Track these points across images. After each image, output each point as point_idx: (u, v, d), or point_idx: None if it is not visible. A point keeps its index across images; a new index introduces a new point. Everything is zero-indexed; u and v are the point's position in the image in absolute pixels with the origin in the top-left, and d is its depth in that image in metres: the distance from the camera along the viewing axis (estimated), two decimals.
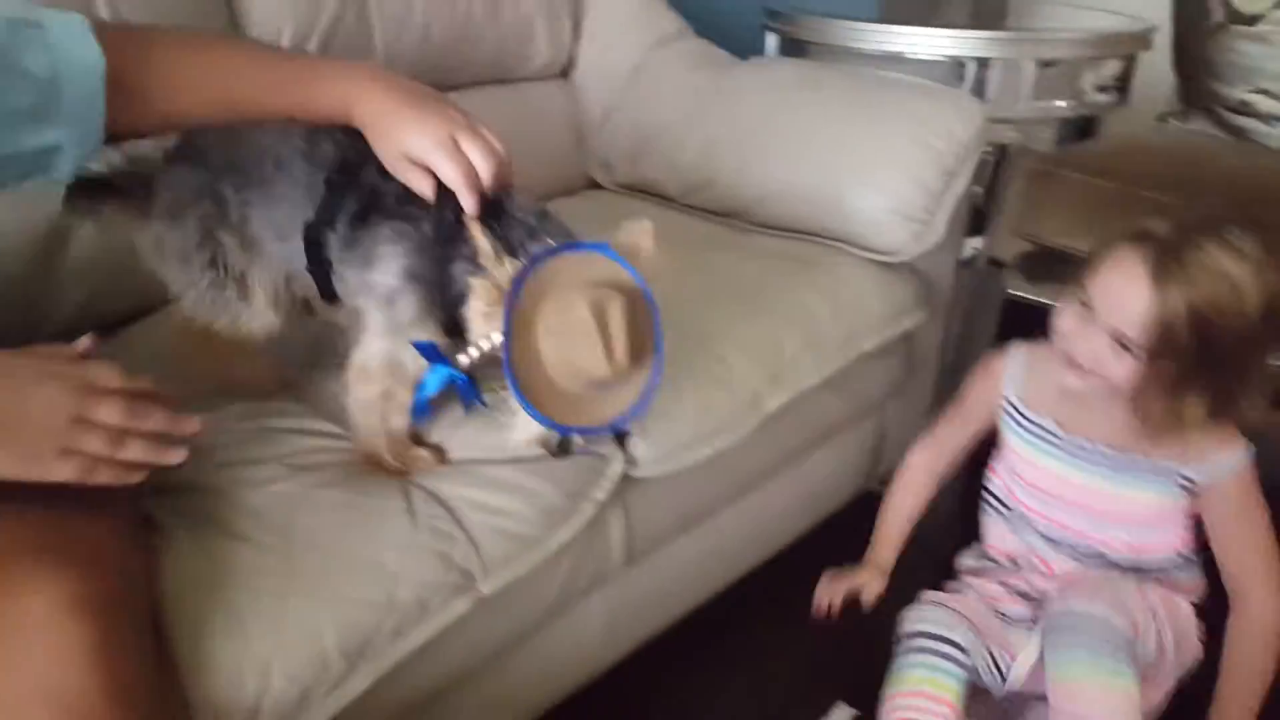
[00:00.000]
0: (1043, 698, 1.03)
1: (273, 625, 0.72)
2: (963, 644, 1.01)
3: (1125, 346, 0.93)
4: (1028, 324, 1.69)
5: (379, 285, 0.82)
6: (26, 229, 1.04)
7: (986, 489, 1.17)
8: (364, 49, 1.35)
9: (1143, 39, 1.73)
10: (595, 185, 1.66)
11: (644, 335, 0.80)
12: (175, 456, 0.68)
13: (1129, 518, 1.05)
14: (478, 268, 0.78)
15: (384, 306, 0.82)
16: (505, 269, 0.77)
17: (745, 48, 1.75)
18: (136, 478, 0.67)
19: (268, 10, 1.25)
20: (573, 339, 0.76)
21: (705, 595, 1.23)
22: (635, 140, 1.58)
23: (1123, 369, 0.94)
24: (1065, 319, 1.00)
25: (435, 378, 0.83)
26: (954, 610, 1.05)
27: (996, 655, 1.04)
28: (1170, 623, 0.99)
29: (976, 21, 2.00)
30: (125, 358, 0.99)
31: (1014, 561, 1.14)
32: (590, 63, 1.66)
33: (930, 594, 1.09)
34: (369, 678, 0.76)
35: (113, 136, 0.76)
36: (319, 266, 0.85)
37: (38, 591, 0.61)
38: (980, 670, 1.03)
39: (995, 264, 1.80)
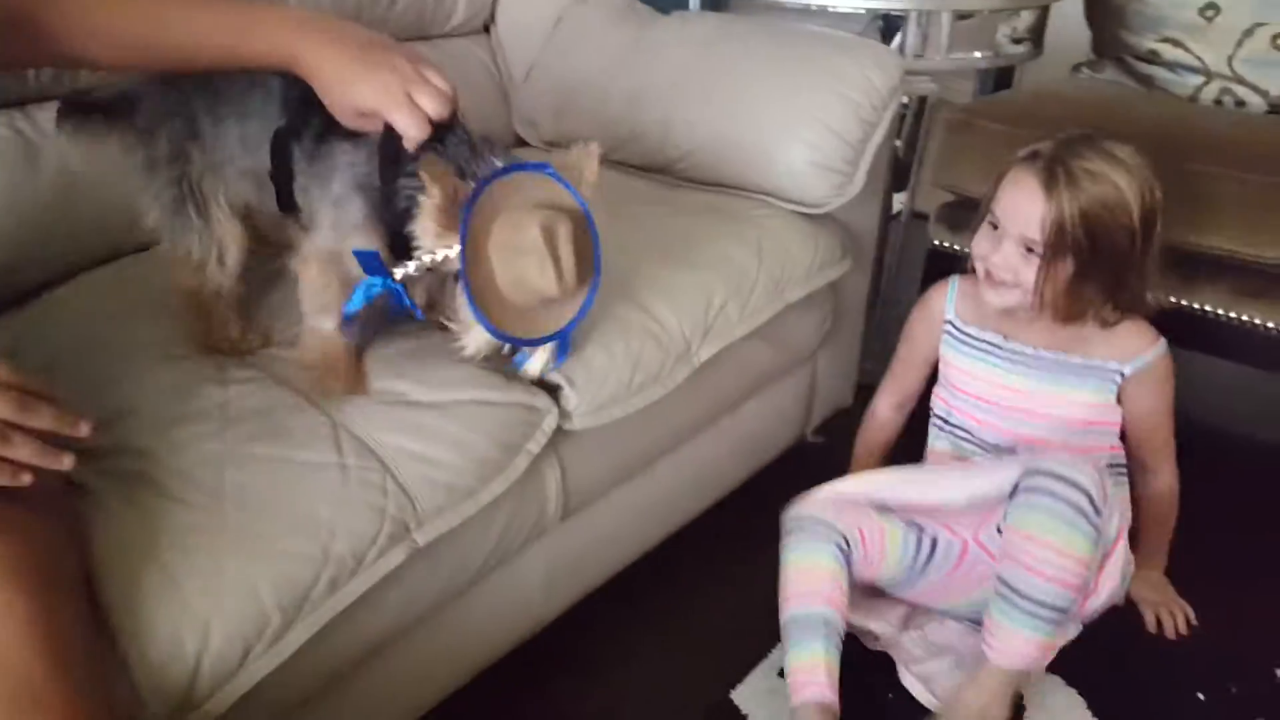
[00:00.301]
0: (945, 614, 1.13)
1: (209, 584, 0.72)
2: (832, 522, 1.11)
3: (1031, 250, 1.07)
4: (951, 272, 1.75)
5: (332, 192, 0.88)
6: None
7: (931, 411, 1.28)
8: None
9: None
10: (521, 142, 1.65)
11: (586, 255, 0.87)
12: (63, 462, 0.64)
13: (1067, 420, 1.16)
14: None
15: (332, 209, 0.88)
16: (451, 191, 0.81)
17: (669, 3, 1.75)
18: (25, 480, 0.62)
19: None
20: (524, 258, 0.82)
21: (643, 548, 1.25)
22: (558, 96, 1.57)
23: (1032, 272, 1.08)
24: (979, 242, 1.14)
25: (366, 288, 0.85)
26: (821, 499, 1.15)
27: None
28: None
29: None
30: (57, 318, 1.01)
31: None
32: (510, 18, 1.65)
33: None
34: (306, 632, 0.76)
35: (8, 66, 0.74)
36: (283, 174, 0.90)
37: None
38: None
39: (918, 216, 1.85)
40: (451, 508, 0.87)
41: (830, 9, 1.68)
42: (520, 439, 0.94)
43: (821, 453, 1.65)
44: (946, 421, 1.26)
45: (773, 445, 1.46)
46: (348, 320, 0.90)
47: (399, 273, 0.85)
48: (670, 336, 1.09)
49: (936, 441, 1.27)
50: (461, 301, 0.84)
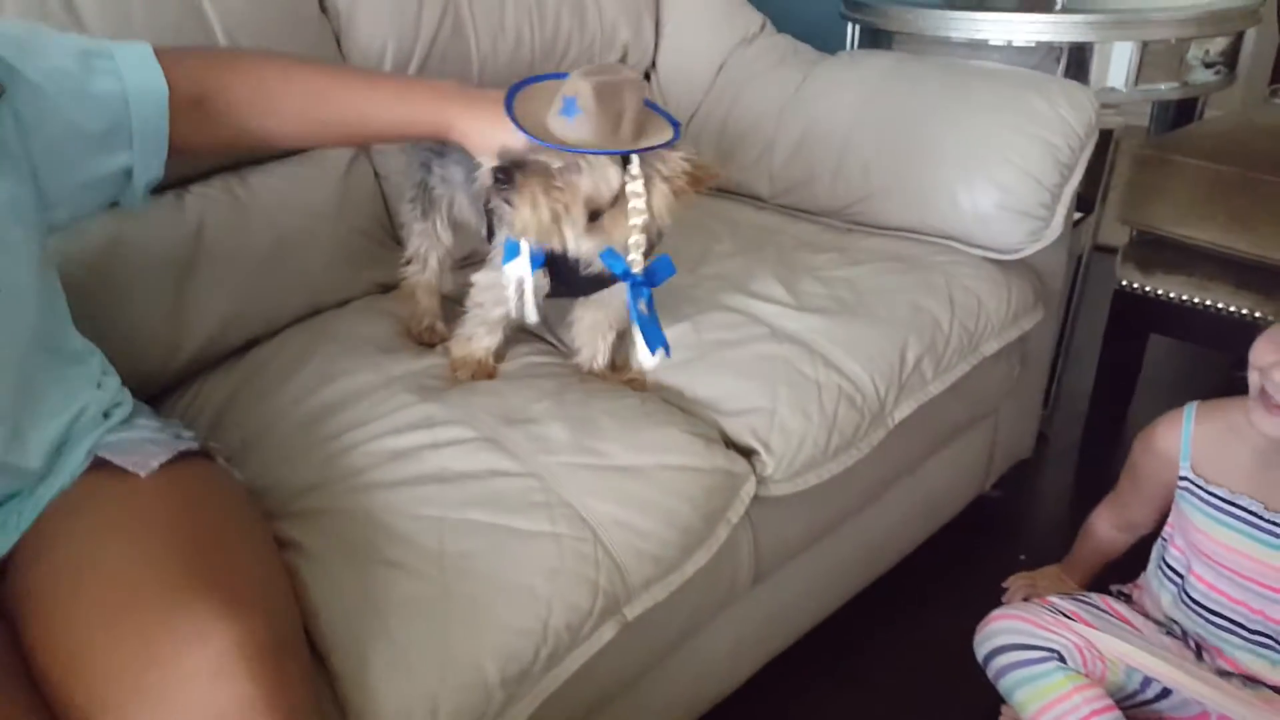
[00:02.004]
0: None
1: (435, 657, 0.72)
2: (1058, 650, 0.99)
3: None
4: (1141, 316, 1.64)
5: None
6: (159, 254, 1.06)
7: (1160, 550, 1.08)
8: (462, 59, 1.35)
9: (1251, 14, 1.65)
10: None
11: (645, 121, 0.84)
12: None
13: None
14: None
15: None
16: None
17: (826, 40, 1.72)
18: None
19: (371, 28, 1.26)
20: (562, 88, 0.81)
21: (827, 611, 1.20)
22: (722, 140, 1.55)
23: None
24: (1265, 350, 0.88)
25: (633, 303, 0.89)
26: (1031, 620, 1.03)
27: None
28: None
29: (1051, 5, 1.93)
30: (267, 376, 1.06)
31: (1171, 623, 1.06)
32: (672, 64, 1.64)
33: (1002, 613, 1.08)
34: (527, 708, 0.75)
35: (195, 152, 0.82)
36: (488, 213, 0.99)
37: (207, 641, 0.58)
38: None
39: (1103, 250, 1.74)
40: (659, 580, 0.85)
41: (1002, 43, 1.61)
42: (721, 506, 0.91)
43: (1000, 507, 1.56)
44: (1178, 575, 1.04)
45: (954, 502, 1.39)
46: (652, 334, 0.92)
47: (634, 265, 0.86)
48: (865, 397, 1.05)
49: (1161, 589, 1.06)
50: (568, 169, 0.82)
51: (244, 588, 0.66)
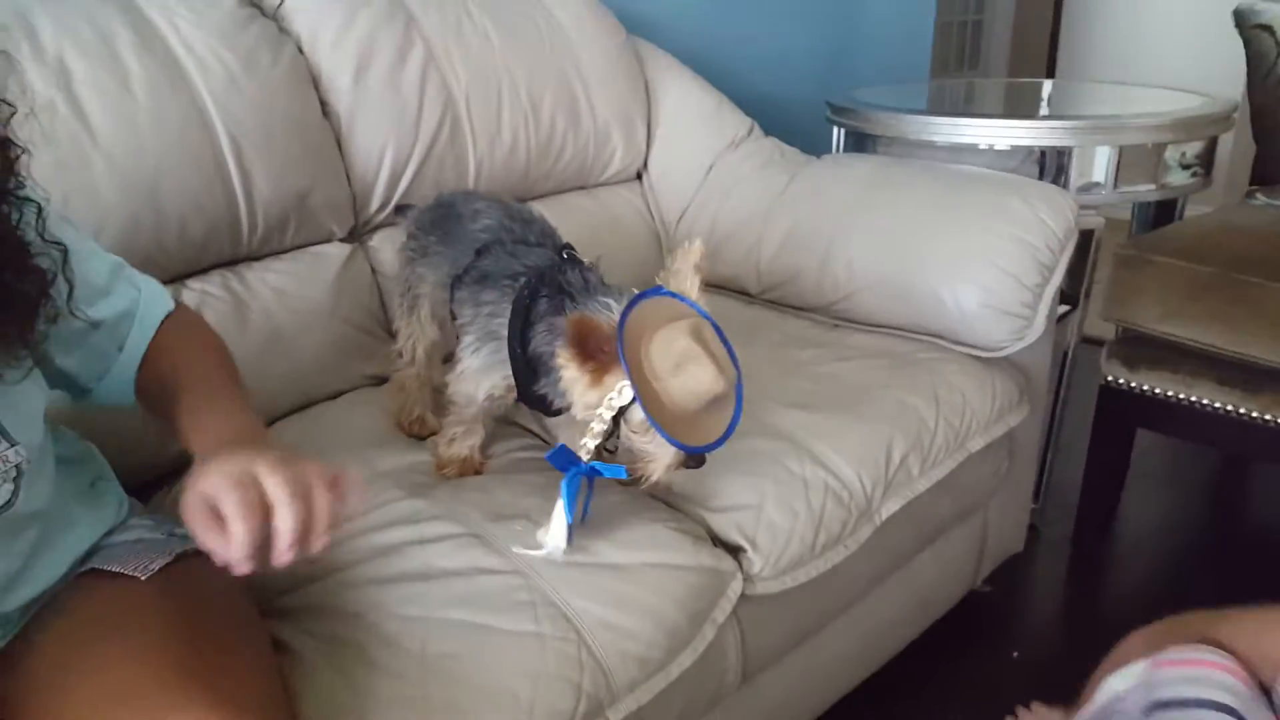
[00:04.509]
0: None
1: None
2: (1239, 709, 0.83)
3: None
4: (1127, 412, 1.65)
5: (470, 338, 1.00)
6: None
7: None
8: (460, 161, 1.40)
9: (1226, 120, 1.72)
10: None
11: (725, 353, 0.89)
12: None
13: None
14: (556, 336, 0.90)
15: (471, 354, 0.99)
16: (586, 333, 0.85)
17: (812, 143, 1.78)
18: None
19: (371, 131, 1.30)
20: (688, 366, 0.84)
21: (817, 712, 1.18)
22: (711, 238, 1.59)
23: None
24: None
25: (568, 487, 0.87)
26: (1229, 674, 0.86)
27: None
28: None
29: (1028, 110, 2.01)
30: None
31: None
32: (663, 165, 1.70)
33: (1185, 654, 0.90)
34: None
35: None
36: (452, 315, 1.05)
37: None
38: None
39: (1091, 342, 1.77)
40: (644, 682, 0.84)
41: (983, 146, 1.67)
42: (707, 606, 0.91)
43: (992, 603, 1.55)
44: None
45: (944, 598, 1.38)
46: (570, 527, 0.89)
47: (584, 454, 0.87)
48: (851, 493, 1.05)
49: None
50: (643, 431, 0.86)
51: (238, 689, 0.65)
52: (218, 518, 0.60)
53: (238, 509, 0.60)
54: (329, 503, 0.64)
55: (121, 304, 0.79)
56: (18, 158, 0.67)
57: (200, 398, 0.75)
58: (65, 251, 0.71)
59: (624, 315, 0.85)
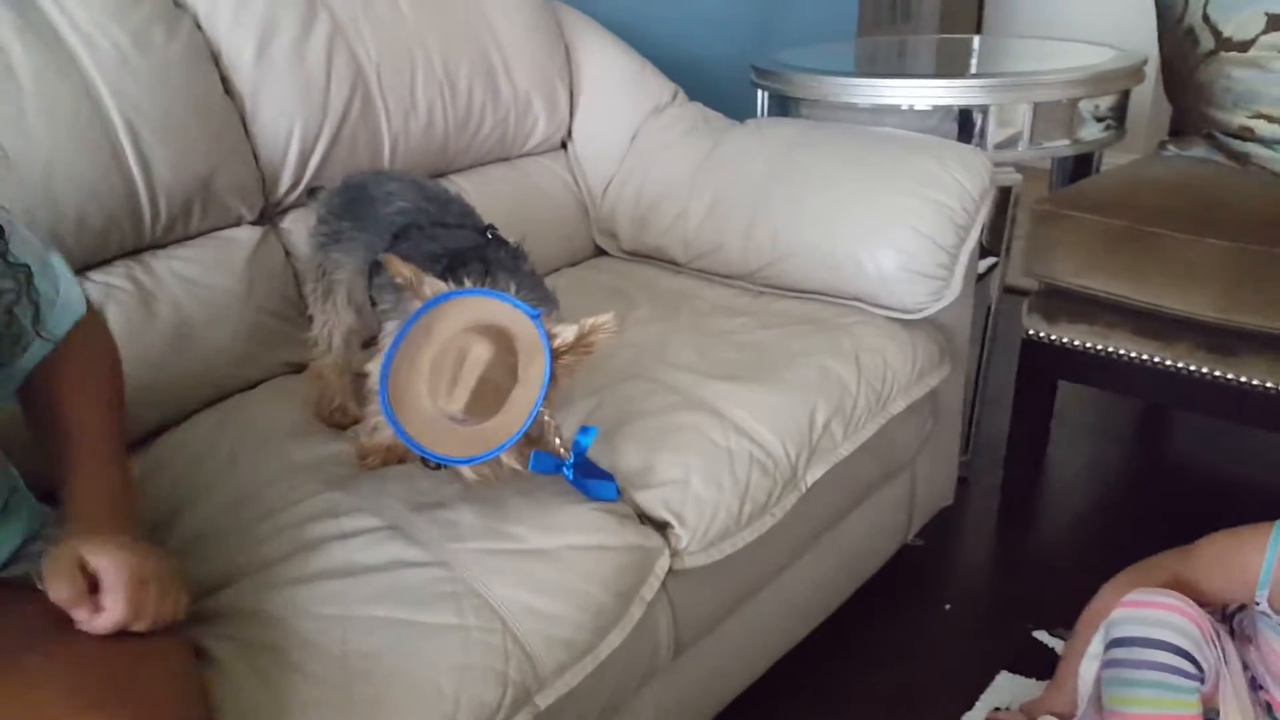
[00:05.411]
0: None
1: None
2: (1200, 661, 0.91)
3: None
4: (1049, 364, 1.69)
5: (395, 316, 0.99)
6: None
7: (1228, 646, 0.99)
8: (373, 137, 1.36)
9: (1136, 73, 1.75)
10: (601, 253, 1.67)
11: (503, 388, 0.85)
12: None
13: None
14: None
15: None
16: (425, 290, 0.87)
17: (736, 105, 1.77)
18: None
19: (276, 109, 1.26)
20: (434, 373, 0.83)
21: (752, 676, 1.20)
22: (638, 207, 1.58)
23: None
24: None
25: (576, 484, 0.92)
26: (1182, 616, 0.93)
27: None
28: None
29: (952, 68, 2.03)
30: (175, 460, 1.03)
31: None
32: (587, 134, 1.67)
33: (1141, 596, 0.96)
34: None
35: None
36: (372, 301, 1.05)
37: None
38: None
39: (1014, 292, 1.80)
40: (571, 665, 0.84)
41: (904, 107, 1.68)
42: (634, 585, 0.91)
43: (924, 556, 1.59)
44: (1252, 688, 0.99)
45: (876, 556, 1.41)
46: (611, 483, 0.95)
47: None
48: (776, 462, 1.07)
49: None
50: (372, 398, 0.89)
51: (154, 703, 0.65)
52: (92, 585, 0.66)
53: (124, 602, 0.66)
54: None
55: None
56: None
57: (82, 453, 0.76)
58: (29, 273, 0.70)
59: (440, 299, 0.86)
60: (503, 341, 0.85)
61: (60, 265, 0.79)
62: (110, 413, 0.81)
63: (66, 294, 0.79)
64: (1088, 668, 1.05)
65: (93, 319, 0.83)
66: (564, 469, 0.91)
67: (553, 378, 0.85)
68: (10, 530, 0.78)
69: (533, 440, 0.89)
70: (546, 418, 0.87)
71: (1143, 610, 0.97)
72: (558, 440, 0.90)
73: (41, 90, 1.04)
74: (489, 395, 0.83)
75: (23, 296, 0.69)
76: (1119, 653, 0.98)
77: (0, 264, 0.67)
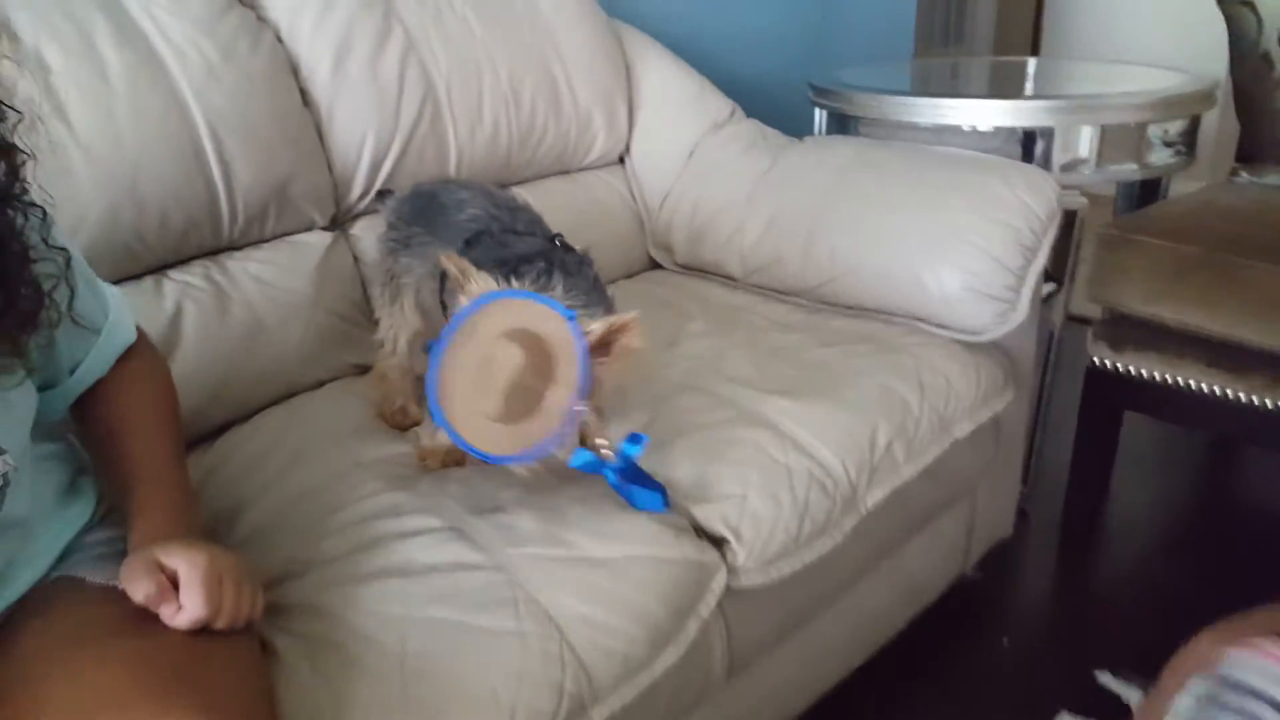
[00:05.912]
0: None
1: None
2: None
3: None
4: (1114, 394, 1.65)
5: None
6: None
7: None
8: (440, 148, 1.38)
9: (1208, 97, 1.71)
10: (657, 266, 1.67)
11: (537, 392, 0.84)
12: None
13: None
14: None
15: None
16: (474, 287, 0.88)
17: (792, 123, 1.77)
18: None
19: (351, 119, 1.29)
20: (475, 373, 0.84)
21: (806, 704, 1.18)
22: (694, 222, 1.58)
23: None
24: None
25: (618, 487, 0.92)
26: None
27: None
28: None
29: (1013, 89, 2.00)
30: (240, 457, 1.06)
31: None
32: (645, 149, 1.69)
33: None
34: None
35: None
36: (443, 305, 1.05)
37: None
38: None
39: (1077, 320, 1.76)
40: (627, 680, 0.83)
41: (966, 128, 1.66)
42: (691, 601, 0.90)
43: (982, 589, 1.55)
44: None
45: (934, 586, 1.38)
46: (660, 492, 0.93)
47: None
48: (835, 481, 1.05)
49: None
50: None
51: (222, 695, 0.65)
52: (171, 584, 0.67)
53: (203, 598, 0.67)
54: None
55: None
56: (23, 163, 0.67)
57: (145, 477, 0.77)
58: (69, 258, 0.72)
59: (482, 301, 0.86)
60: (536, 346, 0.84)
61: (111, 291, 0.81)
62: (169, 431, 0.83)
63: (117, 318, 0.81)
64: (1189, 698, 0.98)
65: (144, 343, 0.86)
66: (605, 470, 0.89)
67: (593, 379, 0.85)
68: (75, 510, 0.80)
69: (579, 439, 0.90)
70: (586, 417, 0.86)
71: (1259, 660, 0.90)
72: (601, 441, 0.89)
73: (133, 96, 1.08)
74: (523, 398, 0.83)
75: (62, 281, 0.71)
76: (1228, 697, 0.91)
77: (42, 246, 0.69)
